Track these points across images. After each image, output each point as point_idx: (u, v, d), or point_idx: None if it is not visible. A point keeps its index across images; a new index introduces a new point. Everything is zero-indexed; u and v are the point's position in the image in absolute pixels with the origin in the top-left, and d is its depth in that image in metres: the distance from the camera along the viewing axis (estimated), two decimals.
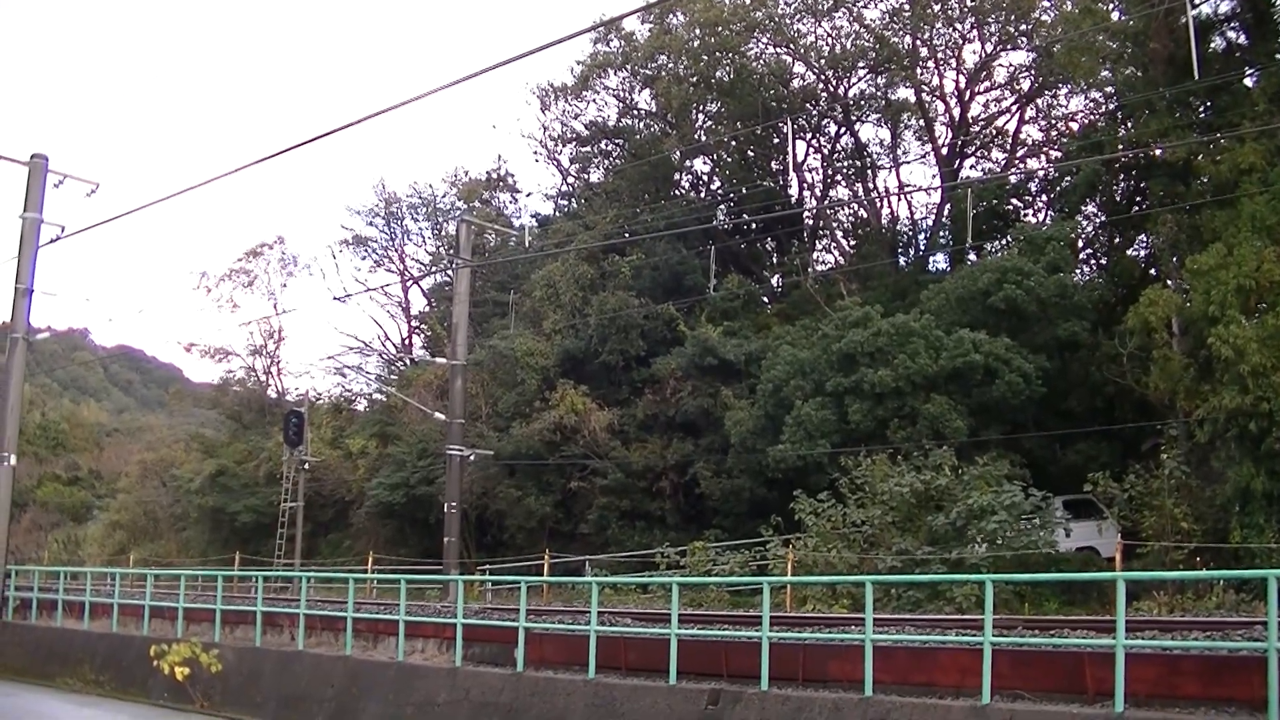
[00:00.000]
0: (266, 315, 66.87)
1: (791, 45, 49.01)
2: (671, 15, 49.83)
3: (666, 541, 35.78)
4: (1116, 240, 42.71)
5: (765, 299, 50.56)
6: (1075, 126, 45.48)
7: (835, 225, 53.62)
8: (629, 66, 51.65)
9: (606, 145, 56.54)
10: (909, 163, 53.49)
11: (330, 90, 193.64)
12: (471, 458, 35.06)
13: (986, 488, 27.22)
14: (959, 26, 46.83)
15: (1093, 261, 43.92)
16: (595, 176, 57.56)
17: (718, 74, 49.14)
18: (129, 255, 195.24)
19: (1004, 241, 42.31)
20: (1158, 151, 34.55)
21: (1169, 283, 32.76)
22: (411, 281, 67.83)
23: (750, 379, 39.86)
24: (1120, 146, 37.53)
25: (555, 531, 43.79)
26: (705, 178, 55.56)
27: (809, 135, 51.96)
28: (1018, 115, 49.25)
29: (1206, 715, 12.70)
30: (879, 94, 50.04)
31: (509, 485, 44.10)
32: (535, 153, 60.98)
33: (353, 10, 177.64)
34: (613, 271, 46.47)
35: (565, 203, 59.83)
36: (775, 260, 52.83)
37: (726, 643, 18.00)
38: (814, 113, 50.88)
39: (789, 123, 45.26)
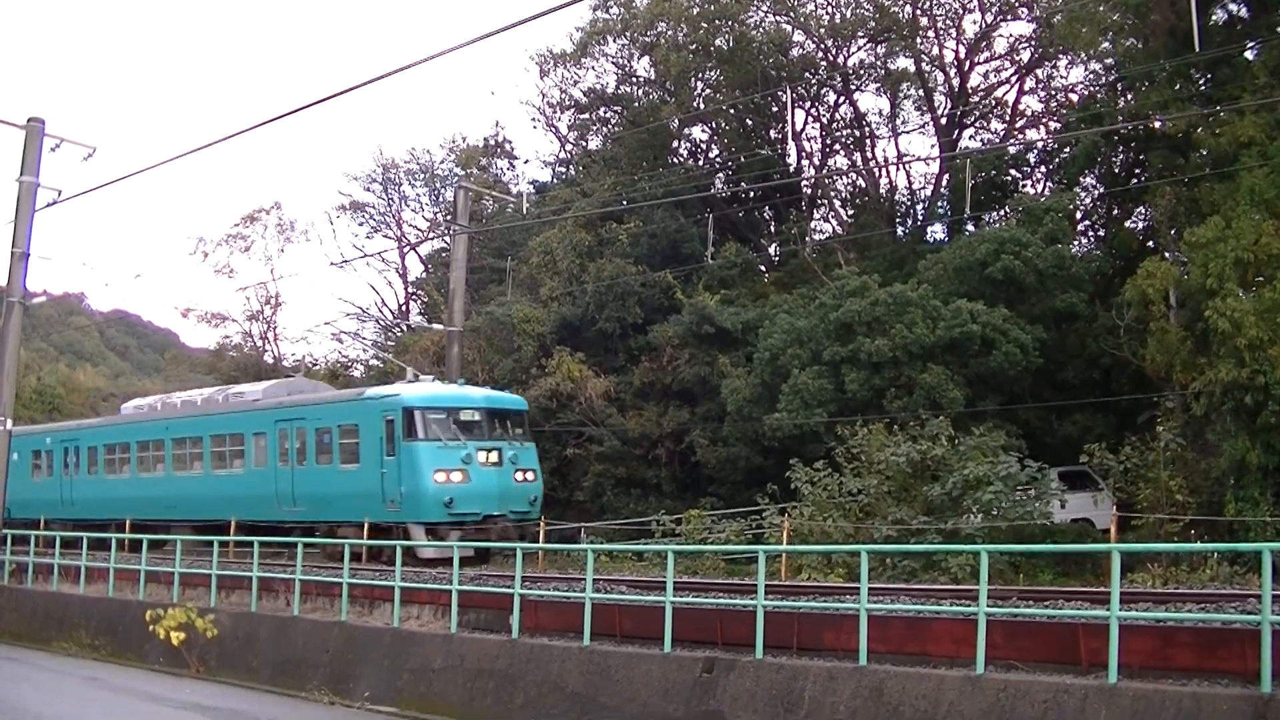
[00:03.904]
0: (263, 280, 66.83)
1: (791, 14, 48.75)
2: None
3: (662, 509, 35.77)
4: (1115, 212, 42.67)
5: (763, 267, 50.49)
6: (1075, 98, 45.33)
7: (833, 194, 53.52)
8: (628, 33, 51.33)
9: (605, 112, 56.25)
10: (908, 132, 53.50)
11: (328, 55, 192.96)
12: None
13: (982, 458, 27.22)
14: None
15: (1091, 233, 43.92)
16: (593, 144, 57.36)
17: (717, 42, 48.88)
18: (126, 220, 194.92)
19: (1002, 212, 42.19)
20: (1157, 124, 34.47)
21: (1167, 255, 32.68)
22: (409, 247, 67.75)
23: (747, 347, 39.85)
24: (1120, 118, 37.38)
25: (551, 498, 43.79)
26: (703, 145, 55.41)
27: (808, 104, 51.72)
28: (1017, 86, 49.13)
29: (1200, 687, 12.77)
30: (878, 63, 49.81)
31: None
32: (533, 120, 60.83)
33: None
34: (610, 239, 46.39)
35: (563, 170, 59.64)
36: (773, 229, 52.70)
37: (721, 611, 18.09)
38: (813, 81, 50.65)
39: (788, 91, 45.12)
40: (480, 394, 32.83)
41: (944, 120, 48.86)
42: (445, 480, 29.08)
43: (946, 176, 46.97)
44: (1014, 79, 49.06)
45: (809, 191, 52.08)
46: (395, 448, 29.56)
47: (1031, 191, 44.13)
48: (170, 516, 36.70)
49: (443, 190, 65.37)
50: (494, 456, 30.49)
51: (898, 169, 51.65)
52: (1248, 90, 30.26)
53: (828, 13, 48.95)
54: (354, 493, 30.32)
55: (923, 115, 50.74)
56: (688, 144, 55.10)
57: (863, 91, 51.99)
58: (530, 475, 31.79)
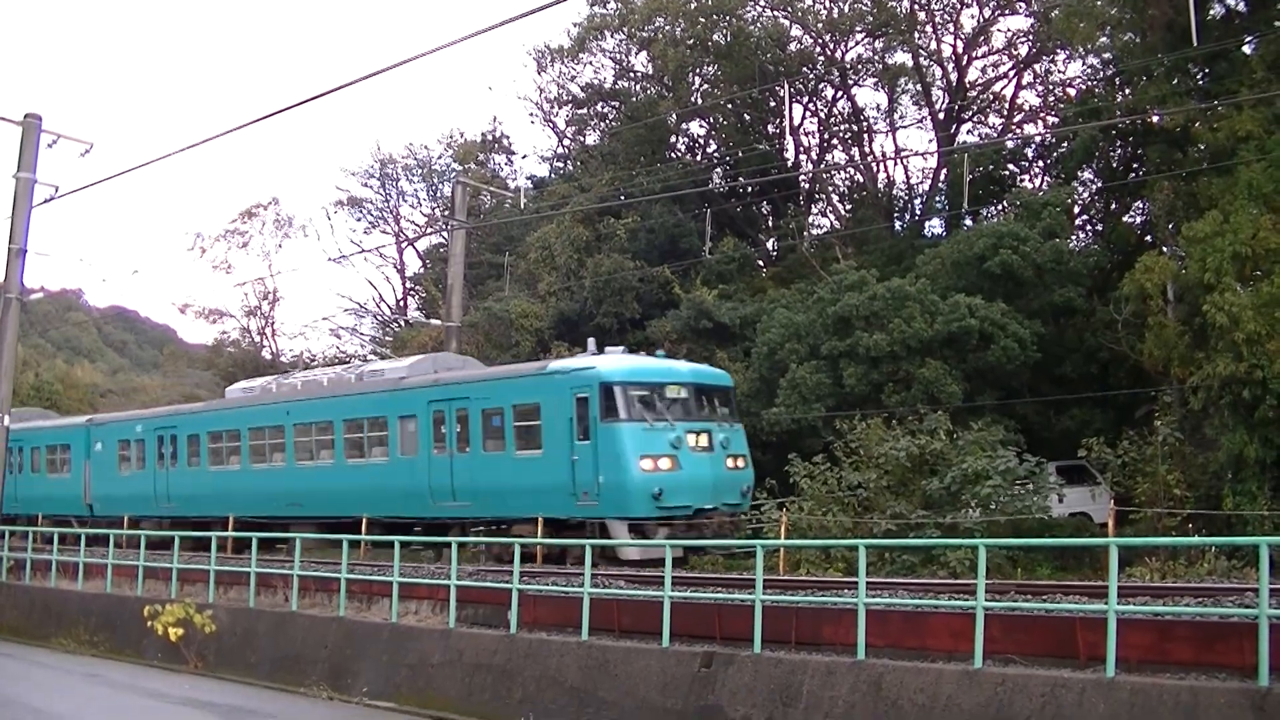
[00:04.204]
0: (261, 276, 67.03)
1: (789, 8, 48.77)
2: None
3: None
4: (1113, 206, 42.66)
5: (761, 262, 50.49)
6: (1073, 92, 45.34)
7: (831, 189, 53.52)
8: (625, 29, 51.37)
9: (602, 108, 56.39)
10: (906, 127, 53.43)
11: (326, 51, 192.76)
12: None
13: (981, 452, 27.23)
14: None
15: (1089, 228, 43.87)
16: (591, 139, 57.49)
17: (714, 37, 48.91)
18: (123, 216, 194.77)
19: (1000, 207, 42.27)
20: (1155, 118, 34.55)
21: (1165, 250, 32.75)
22: (406, 243, 67.91)
23: (745, 342, 39.83)
24: (1118, 113, 37.46)
25: None
26: (701, 141, 55.46)
27: (806, 99, 51.79)
28: (1015, 80, 49.15)
29: (1197, 680, 12.77)
30: (876, 58, 49.86)
31: None
32: (531, 115, 60.87)
33: None
34: (608, 234, 46.40)
35: (561, 165, 59.76)
36: (771, 224, 52.72)
37: (720, 605, 18.06)
38: (811, 76, 50.66)
39: (786, 86, 45.07)
40: (686, 367, 28.99)
41: (942, 115, 48.93)
42: (652, 468, 24.85)
43: (944, 171, 46.99)
44: (1012, 73, 49.17)
45: (807, 186, 52.04)
46: (591, 430, 25.29)
47: (1029, 186, 44.09)
48: (291, 513, 32.11)
49: (440, 186, 65.53)
50: (704, 440, 26.21)
51: (895, 164, 51.77)
52: (1245, 85, 30.28)
53: (825, 8, 48.98)
54: (534, 485, 26.36)
55: (920, 110, 50.90)
56: (686, 139, 55.18)
57: (860, 86, 52.19)
58: (742, 462, 27.36)
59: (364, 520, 29.84)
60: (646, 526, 24.98)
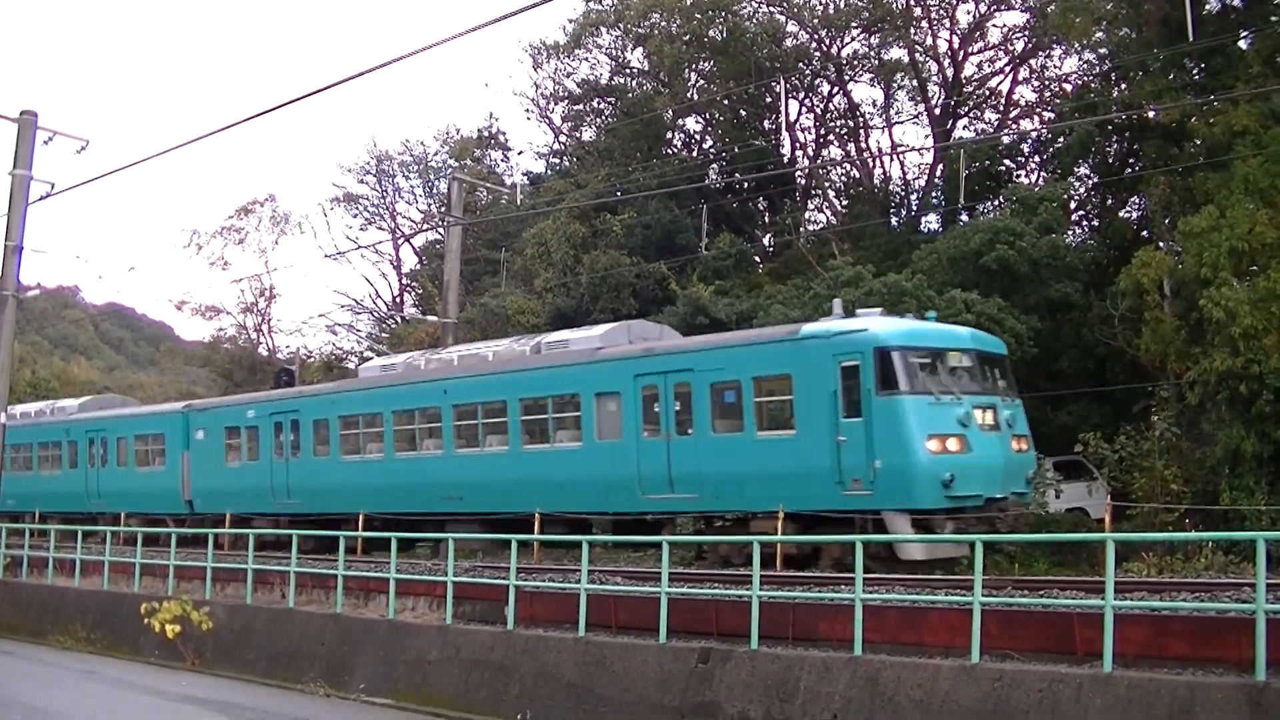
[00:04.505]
0: (257, 273, 66.99)
1: (785, 4, 48.73)
2: None
3: None
4: (1109, 202, 42.62)
5: (757, 258, 50.46)
6: (1069, 88, 45.31)
7: (827, 185, 53.41)
8: (621, 24, 51.29)
9: (598, 104, 56.27)
10: (901, 123, 53.26)
11: (322, 47, 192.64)
12: None
13: None
14: None
15: (1085, 223, 43.85)
16: (587, 135, 57.32)
17: (710, 33, 48.83)
18: (119, 213, 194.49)
19: (996, 202, 42.19)
20: (1151, 113, 34.54)
21: (1161, 245, 32.79)
22: (403, 239, 67.80)
23: None
24: (1114, 108, 37.46)
25: None
26: (697, 137, 55.38)
27: (802, 95, 51.69)
28: (1011, 76, 49.01)
29: (1194, 675, 12.79)
30: (872, 54, 49.77)
31: None
32: (527, 111, 60.77)
33: None
34: (604, 230, 46.35)
35: (557, 161, 59.66)
36: (767, 219, 52.71)
37: (717, 601, 18.07)
38: (807, 72, 50.57)
39: (782, 82, 44.96)
40: (966, 331, 24.60)
41: (938, 110, 48.81)
42: (940, 449, 21.04)
43: (940, 167, 46.91)
44: (1008, 69, 49.00)
45: (803, 182, 51.99)
46: (863, 405, 21.37)
47: (1026, 181, 44.00)
48: (449, 509, 28.73)
49: (436, 182, 65.44)
50: (990, 417, 22.24)
51: (892, 159, 51.68)
52: (1241, 79, 30.31)
53: (821, 3, 48.89)
54: (783, 471, 22.50)
55: (917, 105, 50.79)
56: (682, 135, 55.10)
57: (856, 82, 52.02)
58: (1025, 444, 23.46)
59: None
60: (933, 520, 21.29)
